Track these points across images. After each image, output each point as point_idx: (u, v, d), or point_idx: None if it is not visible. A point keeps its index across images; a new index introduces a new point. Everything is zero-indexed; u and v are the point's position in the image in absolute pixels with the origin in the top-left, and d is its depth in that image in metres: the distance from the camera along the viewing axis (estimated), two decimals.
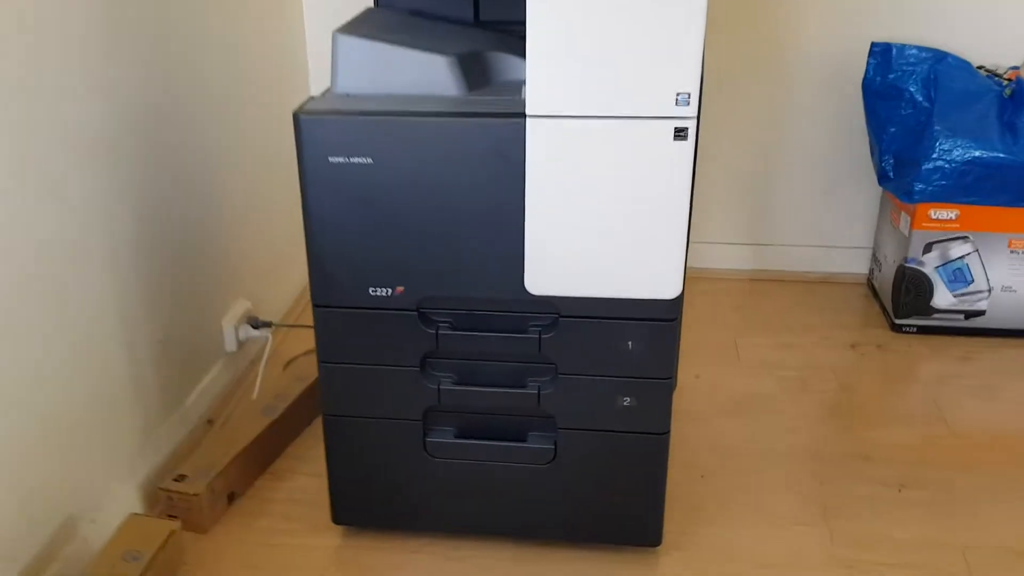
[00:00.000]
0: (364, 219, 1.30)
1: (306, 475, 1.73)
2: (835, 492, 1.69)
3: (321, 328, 1.41)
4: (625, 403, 1.40)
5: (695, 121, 1.22)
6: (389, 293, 1.36)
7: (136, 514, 1.45)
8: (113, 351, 1.54)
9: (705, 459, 1.78)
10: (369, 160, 1.26)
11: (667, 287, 1.32)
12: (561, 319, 1.36)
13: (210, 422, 1.86)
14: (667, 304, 1.33)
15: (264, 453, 1.75)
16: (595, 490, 1.47)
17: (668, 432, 1.43)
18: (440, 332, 1.38)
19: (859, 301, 2.48)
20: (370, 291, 1.36)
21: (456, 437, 1.46)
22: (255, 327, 2.02)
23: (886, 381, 2.09)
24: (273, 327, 2.06)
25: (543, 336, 1.37)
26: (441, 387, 1.42)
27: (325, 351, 1.42)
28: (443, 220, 1.29)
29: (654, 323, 1.35)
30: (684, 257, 1.31)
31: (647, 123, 1.21)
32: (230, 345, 1.96)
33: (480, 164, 1.25)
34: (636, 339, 1.36)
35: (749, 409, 1.96)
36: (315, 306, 1.39)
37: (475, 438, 1.46)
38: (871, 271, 2.53)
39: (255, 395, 1.90)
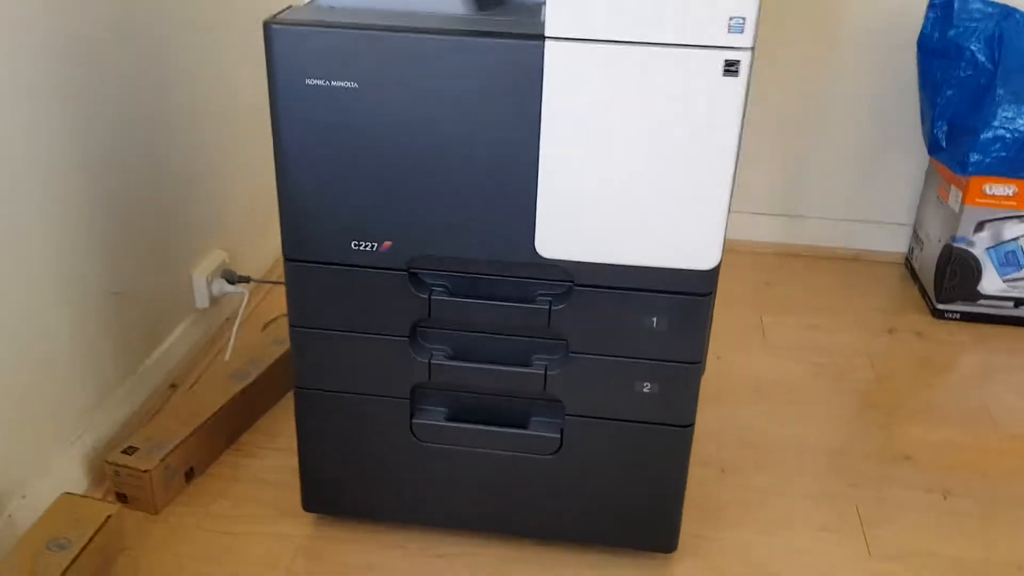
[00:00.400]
0: (346, 157, 1.09)
1: (277, 451, 1.54)
2: (872, 497, 1.50)
3: (293, 287, 1.20)
4: (645, 389, 1.20)
5: (750, 53, 1.00)
6: (374, 248, 1.15)
7: (69, 493, 1.26)
8: (56, 304, 1.34)
9: (726, 452, 1.59)
10: (354, 84, 1.04)
11: (704, 256, 1.11)
12: (575, 288, 1.15)
13: (173, 387, 1.67)
14: (702, 276, 1.13)
15: (231, 425, 1.55)
16: (604, 487, 1.27)
17: (692, 425, 1.23)
18: (433, 297, 1.18)
19: (895, 282, 2.27)
20: (352, 245, 1.15)
21: (447, 420, 1.27)
22: (231, 282, 1.82)
23: (926, 372, 1.89)
24: (252, 283, 1.85)
25: (553, 307, 1.16)
26: (432, 362, 1.22)
27: (298, 314, 1.22)
28: (440, 163, 1.08)
29: (685, 298, 1.14)
30: (726, 221, 1.11)
31: (691, 53, 1.00)
32: (201, 301, 1.76)
33: (487, 96, 1.04)
34: (662, 316, 1.15)
35: (776, 397, 1.76)
36: (287, 260, 1.19)
37: (469, 422, 1.26)
38: (910, 250, 2.31)
39: (227, 357, 1.70)
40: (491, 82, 1.03)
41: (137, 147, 1.51)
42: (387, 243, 1.15)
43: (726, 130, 1.04)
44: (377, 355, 1.22)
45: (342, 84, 1.05)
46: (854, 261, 2.36)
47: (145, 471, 1.36)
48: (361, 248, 1.15)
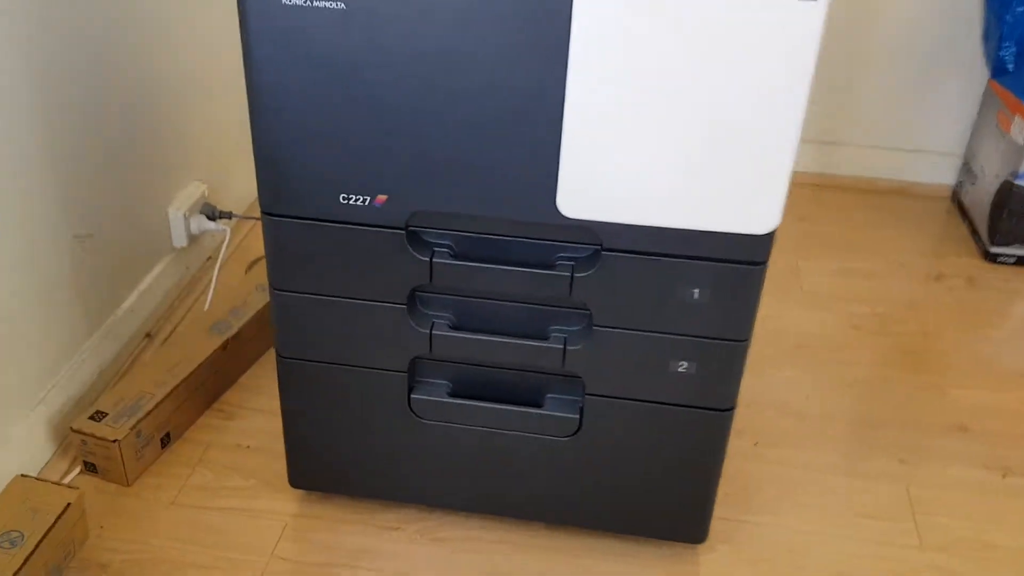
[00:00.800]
0: (333, 94, 0.90)
1: (262, 413, 1.39)
2: (922, 475, 1.35)
3: (274, 245, 1.03)
4: (681, 369, 1.04)
5: None
6: (367, 203, 0.97)
7: (24, 476, 1.11)
8: (11, 250, 1.17)
9: (760, 420, 1.43)
10: (341, 4, 0.84)
11: (760, 217, 0.93)
12: (603, 253, 0.97)
13: (148, 336, 1.51)
14: (756, 241, 0.95)
15: (211, 383, 1.40)
16: (627, 473, 1.13)
17: (733, 408, 1.07)
18: (435, 260, 1.00)
19: (941, 219, 2.08)
20: (341, 199, 0.97)
21: (451, 396, 1.11)
22: (211, 218, 1.64)
23: (978, 325, 1.72)
24: (234, 218, 1.67)
25: (576, 274, 0.99)
26: (434, 332, 1.05)
27: (279, 276, 1.05)
28: (445, 101, 0.89)
29: (735, 266, 0.97)
30: (789, 177, 0.92)
31: None
32: (178, 240, 1.59)
33: (503, 19, 0.84)
34: (706, 287, 0.98)
35: (814, 355, 1.60)
36: (265, 214, 1.01)
37: (475, 399, 1.11)
38: (959, 184, 2.11)
39: (207, 306, 1.54)
40: (508, 4, 0.83)
41: (100, 68, 1.31)
42: (382, 196, 0.97)
43: (799, 68, 0.85)
44: (371, 324, 1.06)
45: (326, 4, 0.85)
46: (894, 194, 2.16)
47: (114, 441, 1.21)
48: (352, 202, 0.97)
